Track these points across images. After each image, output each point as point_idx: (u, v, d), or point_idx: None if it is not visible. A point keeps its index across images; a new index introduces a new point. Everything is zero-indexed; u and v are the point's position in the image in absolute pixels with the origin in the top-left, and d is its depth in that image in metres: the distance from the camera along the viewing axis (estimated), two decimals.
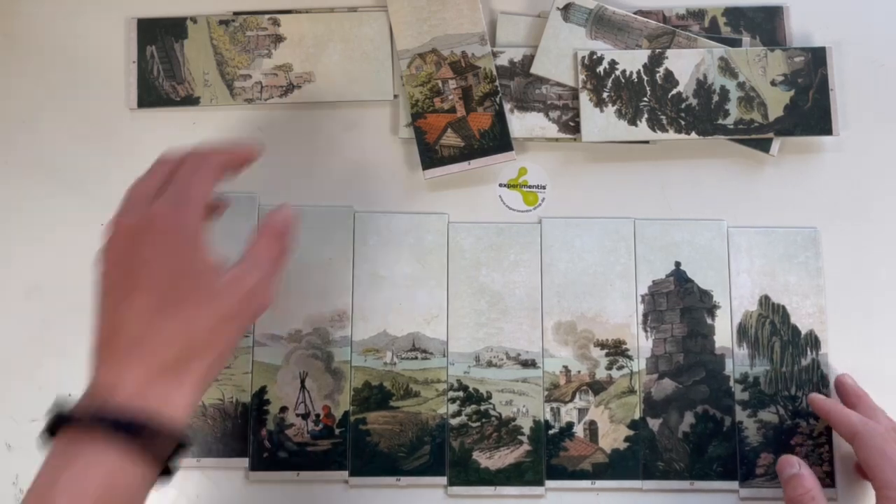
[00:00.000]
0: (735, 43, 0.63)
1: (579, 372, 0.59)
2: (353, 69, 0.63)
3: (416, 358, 0.59)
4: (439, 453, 0.58)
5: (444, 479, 0.58)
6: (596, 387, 0.59)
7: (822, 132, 0.61)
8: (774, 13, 0.64)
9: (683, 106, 0.61)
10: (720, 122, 0.61)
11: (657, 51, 0.62)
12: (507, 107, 0.61)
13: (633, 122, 0.61)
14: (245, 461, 0.58)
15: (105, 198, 0.60)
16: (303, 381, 0.59)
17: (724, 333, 0.60)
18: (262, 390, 0.58)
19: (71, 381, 0.58)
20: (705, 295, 0.60)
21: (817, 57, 0.62)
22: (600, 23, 0.62)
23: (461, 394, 0.59)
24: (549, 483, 0.58)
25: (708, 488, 0.58)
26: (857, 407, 0.56)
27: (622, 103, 0.61)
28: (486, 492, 0.58)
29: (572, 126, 0.62)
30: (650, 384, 0.59)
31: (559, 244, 0.61)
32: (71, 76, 0.64)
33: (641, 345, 0.60)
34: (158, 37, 0.63)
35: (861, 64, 0.64)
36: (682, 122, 0.61)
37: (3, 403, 0.59)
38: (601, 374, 0.59)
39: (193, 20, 0.63)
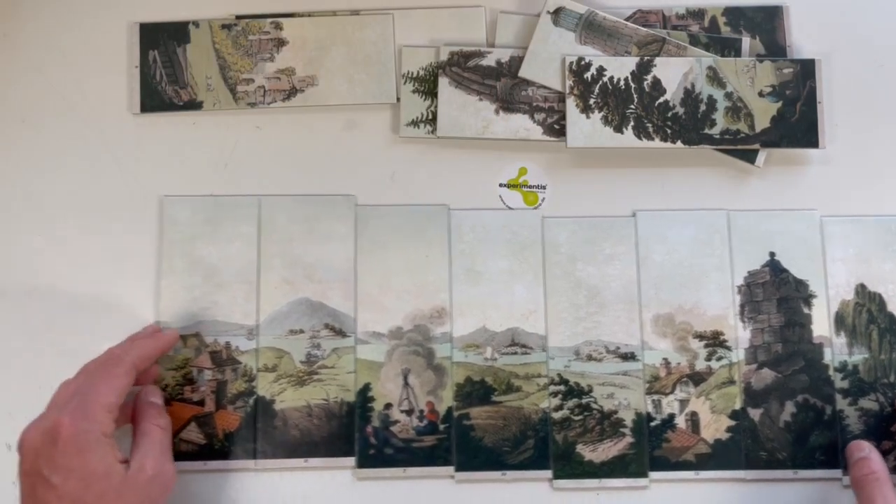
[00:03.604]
0: (734, 43, 0.63)
1: (679, 364, 0.60)
2: (356, 72, 0.63)
3: (517, 353, 0.60)
4: (543, 447, 0.58)
5: (548, 473, 0.58)
6: (696, 378, 0.60)
7: (809, 145, 0.61)
8: (774, 13, 0.64)
9: (670, 114, 0.61)
10: (706, 131, 0.61)
11: (645, 58, 0.62)
12: (491, 108, 0.62)
13: (618, 129, 0.61)
14: (352, 460, 0.58)
15: (107, 201, 0.62)
16: (406, 378, 0.59)
17: (821, 322, 0.60)
18: (366, 388, 0.59)
19: None
20: (801, 285, 0.61)
21: (806, 69, 0.62)
22: (590, 28, 0.62)
23: (562, 388, 0.59)
24: (653, 474, 0.58)
25: (811, 477, 0.58)
26: None
27: (608, 110, 0.61)
28: (591, 484, 0.58)
29: (557, 129, 0.62)
30: (750, 374, 0.60)
31: (654, 237, 0.61)
32: (73, 80, 0.64)
33: (739, 335, 0.60)
34: (161, 41, 0.63)
35: (861, 64, 0.64)
36: (669, 131, 0.61)
37: (3, 403, 0.60)
38: (701, 365, 0.60)
39: (196, 24, 0.64)
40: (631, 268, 0.61)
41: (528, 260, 0.61)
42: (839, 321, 0.60)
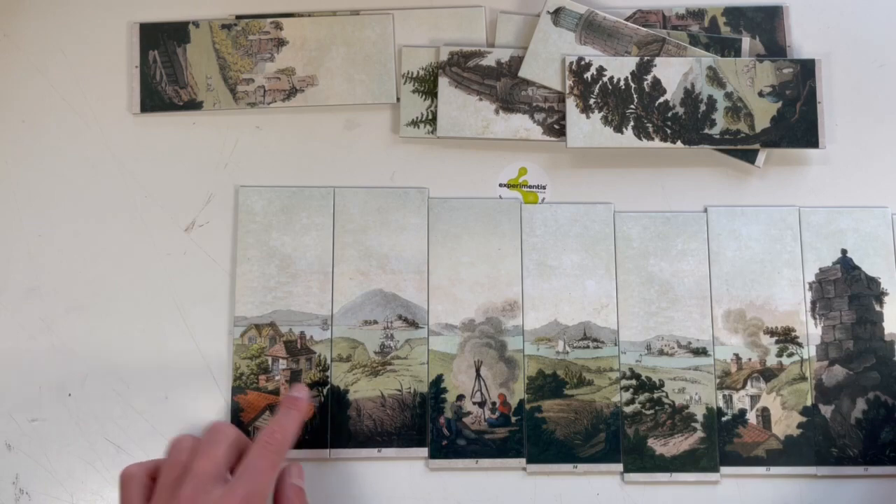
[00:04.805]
0: (734, 43, 0.63)
1: (750, 359, 0.60)
2: (356, 72, 0.63)
3: (588, 347, 0.60)
4: (614, 441, 0.59)
5: (619, 466, 0.58)
6: (767, 374, 0.60)
7: (809, 145, 0.61)
8: (774, 13, 0.64)
9: (670, 114, 0.61)
10: (706, 131, 0.61)
11: (645, 58, 0.61)
12: (491, 108, 0.62)
13: (618, 129, 0.61)
14: (425, 450, 0.58)
15: (107, 201, 0.62)
16: (478, 370, 0.59)
17: (892, 320, 0.60)
18: (439, 379, 0.59)
19: (71, 382, 0.59)
20: (872, 282, 0.61)
21: (806, 69, 0.62)
22: (590, 28, 0.62)
23: (634, 382, 0.60)
24: (724, 469, 0.58)
25: (882, 473, 0.58)
26: None
27: (608, 110, 0.61)
28: (662, 478, 0.58)
29: (557, 129, 0.62)
30: (821, 371, 0.60)
31: (726, 232, 0.61)
32: (73, 80, 0.64)
33: (810, 332, 0.60)
34: (161, 41, 0.63)
35: (861, 64, 0.64)
36: (668, 131, 0.61)
37: (3, 403, 0.60)
38: (772, 361, 0.60)
39: (196, 24, 0.64)
40: (703, 263, 0.61)
41: (599, 254, 0.61)
42: None
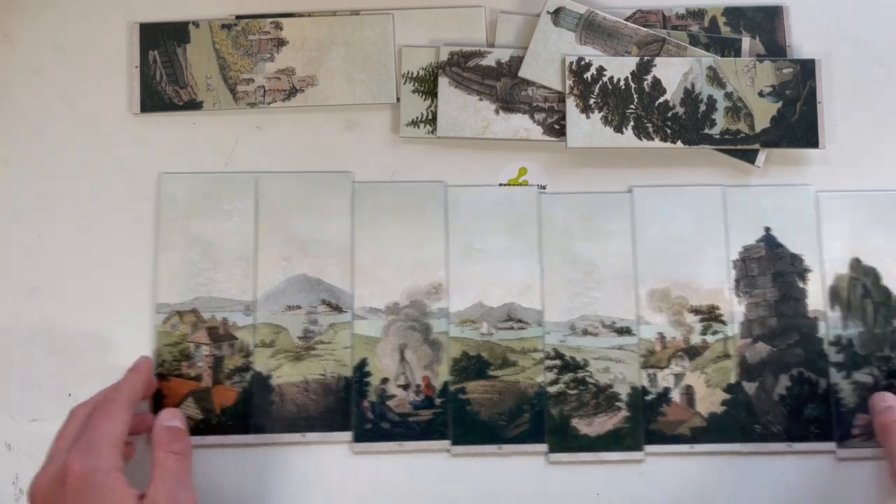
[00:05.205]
0: (734, 43, 0.63)
1: (674, 338, 0.60)
2: (356, 72, 0.63)
3: (513, 328, 0.60)
4: (539, 421, 0.59)
5: (544, 447, 0.59)
6: (691, 352, 0.60)
7: (809, 145, 0.61)
8: (774, 13, 0.64)
9: (670, 114, 0.61)
10: (706, 131, 0.61)
11: (645, 58, 0.61)
12: (491, 108, 0.61)
13: (618, 129, 0.61)
14: (349, 434, 0.59)
15: (107, 202, 0.62)
16: (402, 353, 0.59)
17: (816, 297, 0.60)
18: (363, 363, 0.59)
19: (70, 382, 0.59)
20: (796, 259, 0.61)
21: (806, 69, 0.62)
22: (590, 28, 0.62)
23: (558, 362, 0.60)
24: (649, 448, 0.59)
25: (806, 450, 0.59)
26: None
27: (608, 110, 0.61)
28: (586, 458, 0.59)
29: (557, 129, 0.62)
30: (745, 348, 0.60)
31: (650, 213, 0.61)
32: (73, 80, 0.63)
33: (735, 310, 0.60)
34: (161, 41, 0.63)
35: (861, 64, 0.64)
36: (669, 131, 0.61)
37: (3, 403, 0.60)
38: (696, 339, 0.60)
39: (196, 24, 0.63)
40: (627, 244, 0.61)
41: (524, 236, 0.61)
42: (834, 295, 0.60)
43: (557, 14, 0.62)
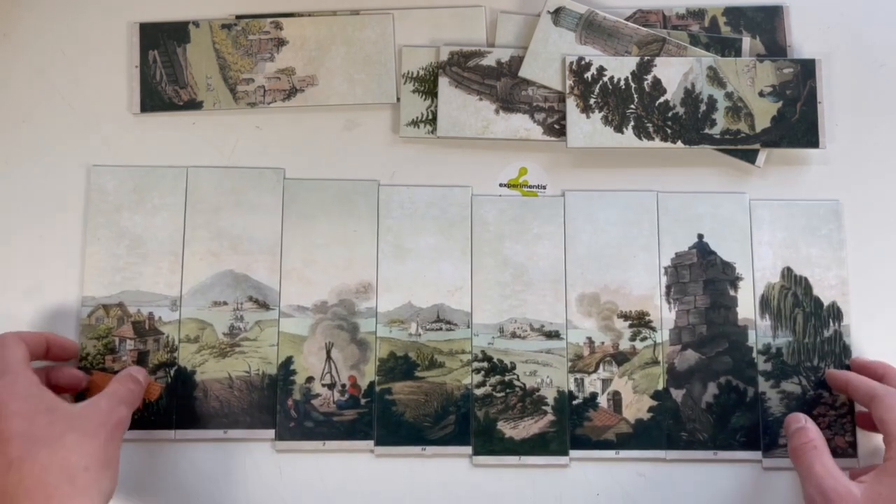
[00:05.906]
0: (734, 43, 0.63)
1: (603, 343, 0.60)
2: (356, 72, 0.63)
3: (441, 329, 0.60)
4: (464, 423, 0.58)
5: (469, 449, 0.58)
6: (619, 358, 0.60)
7: (809, 144, 0.61)
8: (774, 13, 0.64)
9: (670, 114, 0.61)
10: (707, 131, 0.61)
11: (646, 58, 0.61)
12: (491, 108, 0.61)
13: (619, 129, 0.61)
14: (272, 432, 0.58)
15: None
16: (329, 352, 0.59)
17: (746, 305, 0.60)
18: (289, 361, 0.59)
19: None
20: (728, 267, 0.61)
21: (806, 69, 0.62)
22: (590, 28, 0.62)
23: (485, 364, 0.59)
24: (574, 453, 0.58)
25: (731, 458, 0.59)
26: (883, 380, 0.56)
27: (609, 110, 0.61)
28: (511, 461, 0.58)
29: (557, 129, 0.62)
30: (673, 355, 0.60)
31: (582, 217, 0.61)
32: (73, 80, 0.63)
33: (665, 316, 0.60)
34: (161, 41, 0.63)
35: (861, 64, 0.64)
36: (669, 131, 0.61)
37: None
38: (625, 345, 0.60)
39: (196, 24, 0.63)
40: (558, 247, 0.61)
41: (455, 237, 0.61)
42: (764, 304, 0.60)
43: (557, 14, 0.62)
